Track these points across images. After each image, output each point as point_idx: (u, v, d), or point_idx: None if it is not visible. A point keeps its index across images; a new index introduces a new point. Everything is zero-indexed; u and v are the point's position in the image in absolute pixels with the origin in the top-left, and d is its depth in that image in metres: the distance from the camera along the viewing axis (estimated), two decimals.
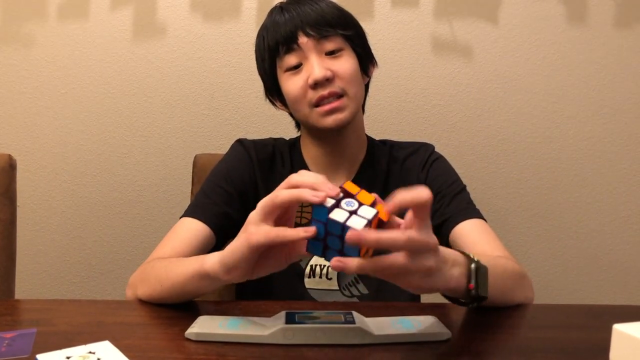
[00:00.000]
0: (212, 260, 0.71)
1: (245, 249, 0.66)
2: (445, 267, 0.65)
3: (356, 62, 1.00)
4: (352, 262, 0.59)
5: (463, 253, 0.72)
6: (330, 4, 1.00)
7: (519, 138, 1.56)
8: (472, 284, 0.70)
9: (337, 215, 0.60)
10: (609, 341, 0.50)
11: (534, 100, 1.55)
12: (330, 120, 0.97)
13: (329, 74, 0.95)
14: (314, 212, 0.62)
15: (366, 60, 1.04)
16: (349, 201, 0.62)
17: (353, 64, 0.99)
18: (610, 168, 1.57)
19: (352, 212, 0.60)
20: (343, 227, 0.59)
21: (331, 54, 0.97)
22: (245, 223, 0.68)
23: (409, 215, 0.61)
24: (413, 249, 0.59)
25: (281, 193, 0.65)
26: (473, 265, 0.70)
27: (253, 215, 0.67)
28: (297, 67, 0.98)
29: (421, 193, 0.58)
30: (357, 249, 0.59)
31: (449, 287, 0.68)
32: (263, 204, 0.67)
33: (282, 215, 0.68)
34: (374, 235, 0.57)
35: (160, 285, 0.81)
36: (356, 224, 0.59)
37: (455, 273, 0.67)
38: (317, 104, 0.96)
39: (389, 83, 1.52)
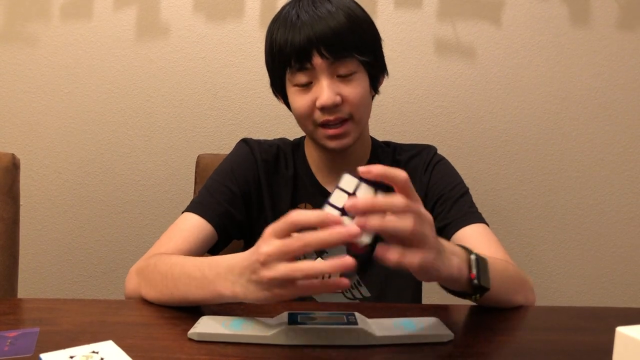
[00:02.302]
0: (233, 290, 0.68)
1: (267, 302, 0.65)
2: (445, 253, 0.66)
3: (367, 84, 0.97)
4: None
5: (461, 246, 0.73)
6: (347, 14, 0.94)
7: (522, 139, 1.56)
8: (474, 273, 0.71)
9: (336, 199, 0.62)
10: (612, 344, 0.50)
11: (537, 101, 1.55)
12: (334, 144, 0.97)
13: (337, 99, 0.93)
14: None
15: (378, 76, 1.02)
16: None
17: (364, 88, 0.96)
18: (614, 169, 1.56)
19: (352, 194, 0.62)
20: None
21: (343, 76, 0.94)
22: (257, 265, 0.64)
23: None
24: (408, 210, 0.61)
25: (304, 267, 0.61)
26: (473, 256, 0.72)
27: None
28: (306, 85, 0.95)
29: (398, 177, 0.62)
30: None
31: (452, 275, 0.68)
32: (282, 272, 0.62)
33: None
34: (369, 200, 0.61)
35: (170, 294, 0.80)
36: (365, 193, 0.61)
37: (455, 261, 0.68)
38: (322, 125, 0.96)
39: (392, 84, 1.52)
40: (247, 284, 0.66)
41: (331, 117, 0.94)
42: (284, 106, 1.07)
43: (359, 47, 0.94)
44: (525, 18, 1.52)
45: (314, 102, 0.94)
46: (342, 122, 0.95)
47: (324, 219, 0.61)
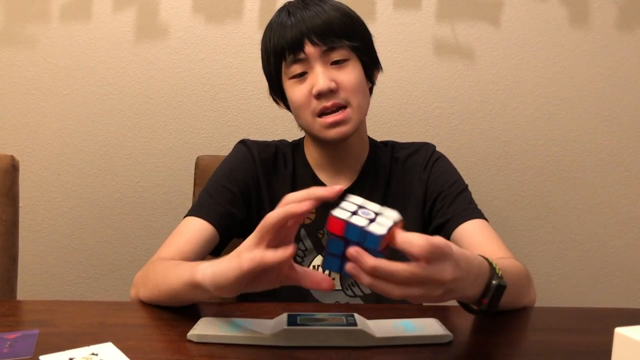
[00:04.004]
0: (204, 273, 0.69)
1: (236, 273, 0.63)
2: (466, 283, 0.64)
3: (361, 71, 0.99)
4: (368, 260, 0.57)
5: (489, 263, 0.71)
6: (337, 9, 0.98)
7: (521, 140, 1.56)
8: (486, 299, 0.69)
9: (357, 220, 0.59)
10: (610, 345, 0.50)
11: (536, 102, 1.55)
12: (334, 133, 0.97)
13: (333, 85, 0.95)
14: (329, 246, 0.60)
15: (372, 67, 1.03)
16: (365, 211, 0.61)
17: (358, 74, 0.98)
18: (613, 170, 1.57)
19: (371, 220, 0.59)
20: (362, 233, 0.58)
21: (336, 63, 0.96)
22: (241, 245, 0.66)
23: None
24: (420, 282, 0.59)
25: (270, 214, 0.63)
26: (494, 282, 0.69)
27: (248, 240, 0.65)
28: (302, 75, 0.97)
29: (413, 249, 0.58)
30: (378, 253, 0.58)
31: (462, 298, 0.69)
32: (257, 228, 0.64)
33: (278, 236, 0.65)
34: (385, 263, 0.57)
35: (158, 289, 0.81)
36: (377, 229, 0.58)
37: (475, 286, 0.67)
38: (321, 114, 0.96)
39: (391, 85, 1.53)
40: (223, 260, 0.66)
41: (328, 104, 0.95)
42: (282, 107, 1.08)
43: (348, 34, 0.97)
44: (524, 19, 1.52)
45: (310, 91, 0.96)
46: (339, 108, 0.96)
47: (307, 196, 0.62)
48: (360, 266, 0.58)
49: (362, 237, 0.58)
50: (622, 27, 1.52)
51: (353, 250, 0.57)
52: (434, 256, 0.58)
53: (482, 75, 1.54)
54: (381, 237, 0.58)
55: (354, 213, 0.60)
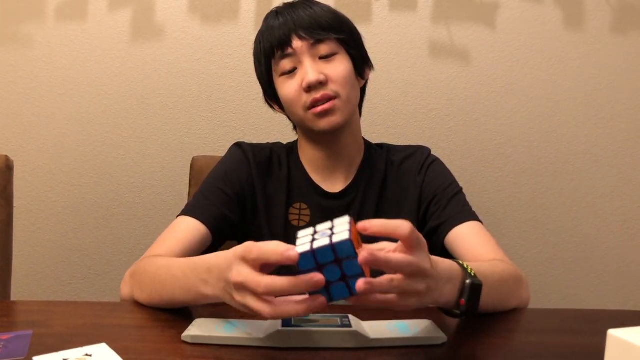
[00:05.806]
0: (211, 291, 0.70)
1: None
2: (439, 285, 0.65)
3: (350, 65, 1.01)
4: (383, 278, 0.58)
5: (460, 265, 0.72)
6: (324, 7, 1.01)
7: (516, 142, 1.56)
8: (464, 300, 0.70)
9: (321, 241, 0.58)
10: (603, 346, 0.50)
11: (531, 104, 1.55)
12: (324, 123, 0.98)
13: (322, 77, 0.96)
14: (300, 264, 0.59)
15: (361, 64, 1.04)
16: (322, 231, 0.61)
17: (347, 68, 0.99)
18: (606, 172, 1.57)
19: (331, 234, 0.59)
20: (333, 248, 0.58)
21: (325, 57, 0.98)
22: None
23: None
24: (410, 272, 0.60)
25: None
26: (468, 281, 0.70)
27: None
28: (291, 72, 0.99)
29: (401, 229, 0.59)
30: (359, 270, 0.58)
31: (439, 303, 0.69)
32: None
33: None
34: (384, 256, 0.58)
35: (160, 297, 0.81)
36: (341, 236, 0.58)
37: (447, 289, 0.68)
38: (311, 106, 0.97)
39: (387, 86, 1.53)
40: (224, 293, 0.67)
41: (318, 95, 0.96)
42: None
43: (335, 28, 0.99)
44: (519, 21, 1.53)
45: (300, 85, 0.97)
46: (329, 100, 0.97)
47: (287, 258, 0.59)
48: (375, 288, 0.58)
49: (334, 253, 0.58)
50: (616, 30, 1.53)
51: (361, 283, 0.57)
52: (416, 242, 0.60)
53: (477, 77, 1.54)
54: (349, 240, 0.57)
55: (313, 241, 0.60)
